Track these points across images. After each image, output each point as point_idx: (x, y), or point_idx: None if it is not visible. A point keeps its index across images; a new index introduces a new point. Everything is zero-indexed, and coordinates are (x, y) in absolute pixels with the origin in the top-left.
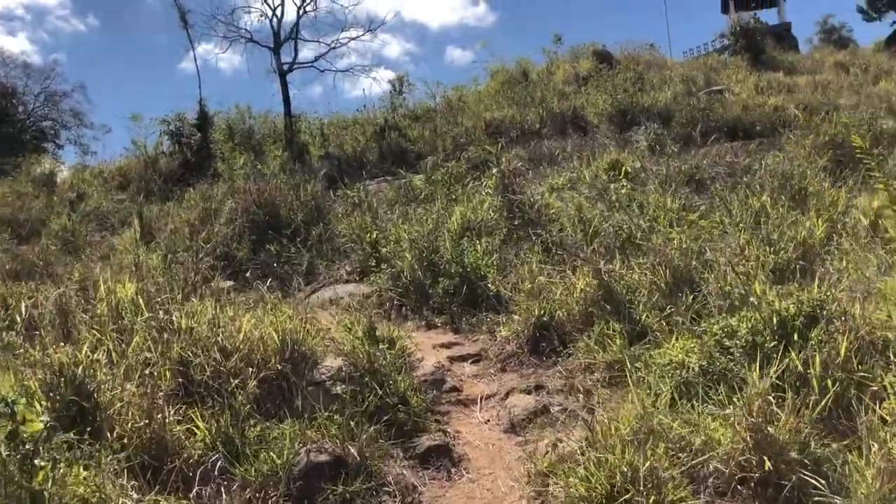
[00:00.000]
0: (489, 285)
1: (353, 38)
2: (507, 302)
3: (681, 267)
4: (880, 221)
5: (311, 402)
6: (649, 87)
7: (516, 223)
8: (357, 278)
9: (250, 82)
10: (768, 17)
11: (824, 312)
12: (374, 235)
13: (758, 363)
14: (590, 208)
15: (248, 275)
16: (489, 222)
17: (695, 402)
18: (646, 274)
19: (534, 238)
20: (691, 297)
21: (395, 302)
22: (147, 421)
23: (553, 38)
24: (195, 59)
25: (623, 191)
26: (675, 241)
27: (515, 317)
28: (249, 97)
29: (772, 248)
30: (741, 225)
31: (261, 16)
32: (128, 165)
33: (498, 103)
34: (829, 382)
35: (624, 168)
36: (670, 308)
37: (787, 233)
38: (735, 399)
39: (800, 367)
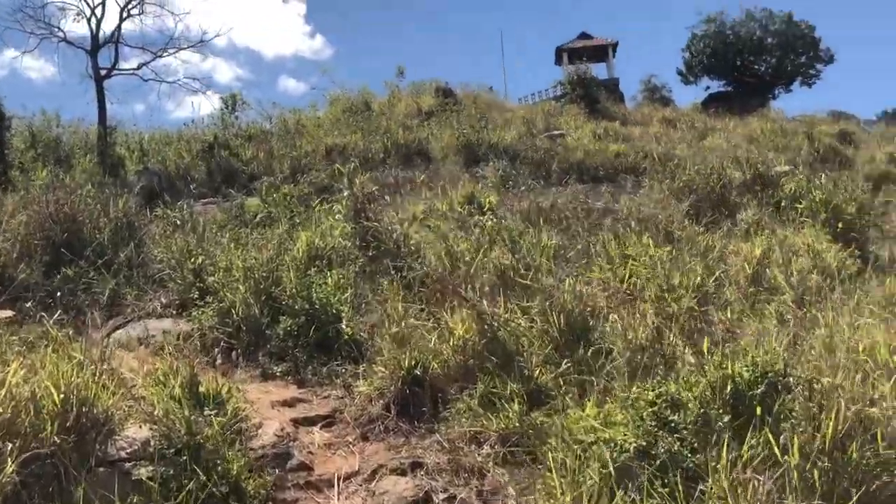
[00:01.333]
0: (343, 326)
1: (182, 48)
2: (367, 348)
3: (575, 313)
4: (767, 270)
5: (102, 491)
6: (492, 126)
7: (372, 254)
8: (175, 312)
9: (62, 92)
10: (598, 71)
11: (788, 379)
12: (199, 261)
13: (724, 444)
14: (457, 240)
15: (30, 304)
16: (341, 251)
17: (637, 497)
18: (535, 320)
19: (394, 272)
20: (590, 349)
21: (223, 344)
22: None
23: (396, 71)
24: None
25: (489, 223)
26: (566, 284)
27: (378, 368)
28: (61, 107)
29: (671, 296)
30: (627, 269)
31: (77, 14)
32: None
33: (339, 130)
34: (815, 475)
35: (488, 200)
36: (567, 363)
37: (678, 279)
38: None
39: (777, 452)
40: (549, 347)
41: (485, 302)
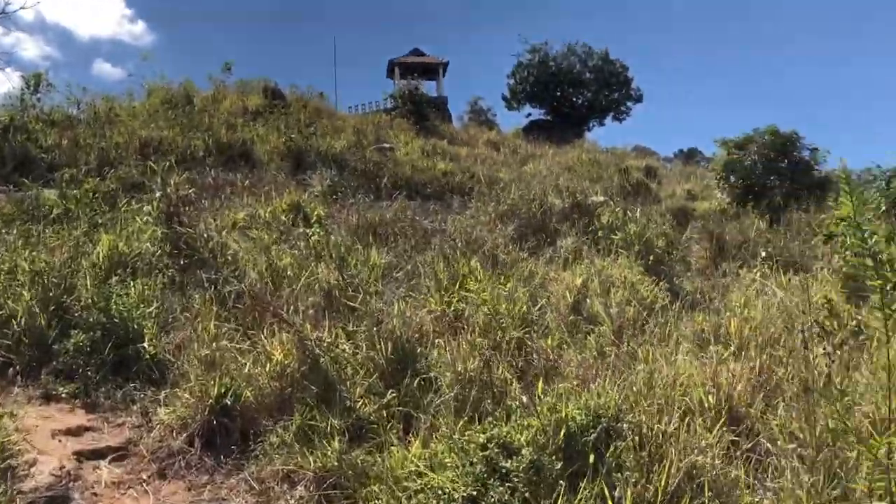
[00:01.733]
0: (146, 345)
1: None
2: (172, 371)
3: (403, 339)
4: (588, 300)
5: None
6: (322, 133)
7: (184, 263)
8: None
9: None
10: (428, 88)
11: (621, 425)
12: None
13: (558, 496)
14: (280, 254)
15: None
16: (149, 258)
17: None
18: (360, 346)
19: (208, 285)
20: (416, 379)
21: None
22: None
23: (223, 66)
24: None
25: (315, 237)
26: (395, 307)
27: (183, 394)
28: None
29: (497, 324)
30: (455, 293)
31: None
32: None
33: (157, 123)
34: None
35: (315, 211)
36: (392, 393)
37: (505, 306)
38: None
39: None
40: (373, 376)
41: (308, 325)
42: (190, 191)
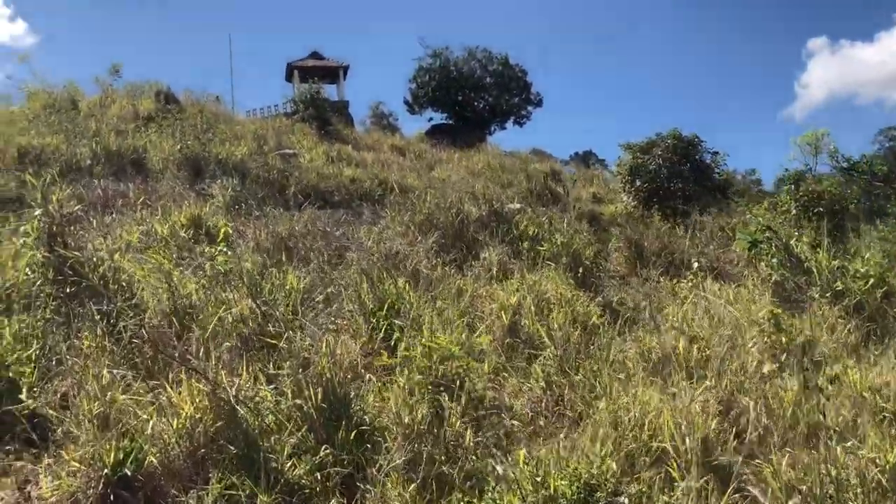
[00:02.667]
0: (22, 397)
1: None
2: (56, 430)
3: (334, 382)
4: (524, 321)
5: None
6: (220, 139)
7: (70, 291)
8: None
9: None
10: (329, 92)
11: (622, 500)
12: None
13: None
14: (183, 280)
15: None
16: (27, 289)
17: None
18: (285, 392)
19: (98, 319)
20: (353, 431)
21: None
22: None
23: (110, 69)
24: None
25: (221, 258)
26: (323, 344)
27: (71, 460)
28: None
29: (437, 354)
30: (384, 319)
31: None
32: None
33: (38, 129)
34: None
35: (222, 228)
36: (326, 450)
37: (442, 333)
38: None
39: None
40: (302, 429)
41: (221, 370)
42: (76, 207)
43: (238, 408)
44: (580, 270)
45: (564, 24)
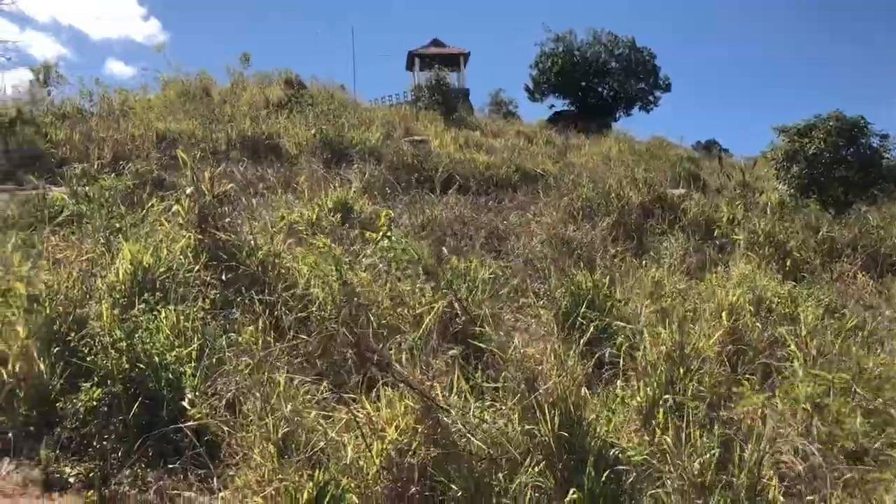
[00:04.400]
0: (185, 403)
1: None
2: (225, 447)
3: (569, 404)
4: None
5: None
6: (350, 125)
7: (228, 279)
8: None
9: None
10: (450, 79)
11: None
12: None
13: None
14: (352, 267)
15: None
16: (182, 275)
17: None
18: (509, 416)
19: (262, 312)
20: (604, 472)
21: None
22: None
23: (241, 58)
24: None
25: (385, 244)
26: (547, 352)
27: (252, 495)
28: None
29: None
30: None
31: None
32: None
33: (174, 115)
34: None
35: (384, 214)
36: (574, 495)
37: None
38: None
39: None
40: (539, 464)
41: (431, 379)
42: (229, 186)
43: (455, 429)
44: (786, 263)
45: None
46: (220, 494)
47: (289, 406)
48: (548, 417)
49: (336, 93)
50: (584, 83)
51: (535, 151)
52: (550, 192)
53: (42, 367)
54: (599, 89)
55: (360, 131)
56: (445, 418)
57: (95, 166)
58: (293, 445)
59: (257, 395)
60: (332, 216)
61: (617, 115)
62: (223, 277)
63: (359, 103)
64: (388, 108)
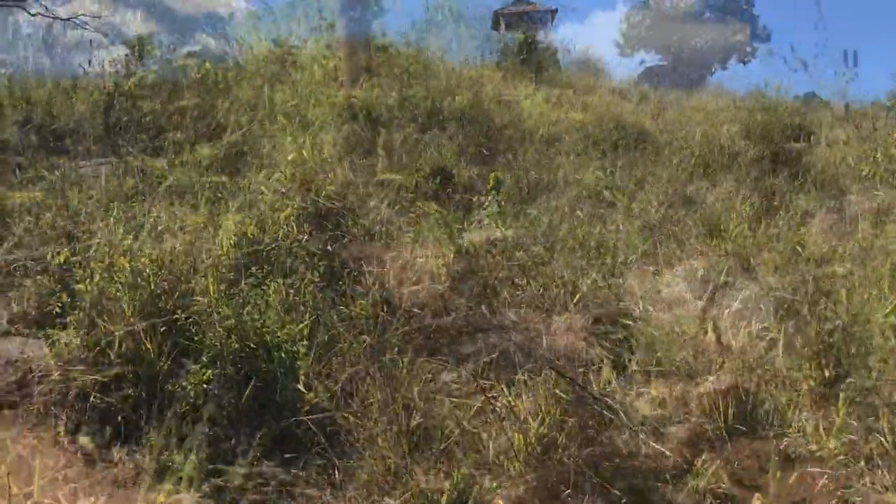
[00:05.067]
0: (299, 385)
1: None
2: (349, 437)
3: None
4: None
5: None
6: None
7: (333, 248)
8: (28, 330)
9: None
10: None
11: None
12: (65, 255)
13: None
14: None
15: None
16: (286, 246)
17: None
18: (669, 405)
19: (372, 285)
20: None
21: (96, 400)
22: None
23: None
24: None
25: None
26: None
27: (372, 480)
28: None
29: None
30: None
31: None
32: None
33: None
34: None
35: (492, 175)
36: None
37: None
38: None
39: None
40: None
41: (578, 367)
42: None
43: (615, 419)
44: None
45: None
46: (347, 494)
47: (416, 390)
48: (722, 407)
49: (423, 54)
50: (676, 36)
51: (629, 108)
52: (660, 149)
53: (150, 346)
54: (693, 42)
55: (449, 95)
56: (601, 409)
57: (192, 136)
58: (421, 435)
59: (379, 377)
60: (432, 181)
61: (713, 69)
62: (329, 247)
63: (445, 63)
64: (474, 69)
